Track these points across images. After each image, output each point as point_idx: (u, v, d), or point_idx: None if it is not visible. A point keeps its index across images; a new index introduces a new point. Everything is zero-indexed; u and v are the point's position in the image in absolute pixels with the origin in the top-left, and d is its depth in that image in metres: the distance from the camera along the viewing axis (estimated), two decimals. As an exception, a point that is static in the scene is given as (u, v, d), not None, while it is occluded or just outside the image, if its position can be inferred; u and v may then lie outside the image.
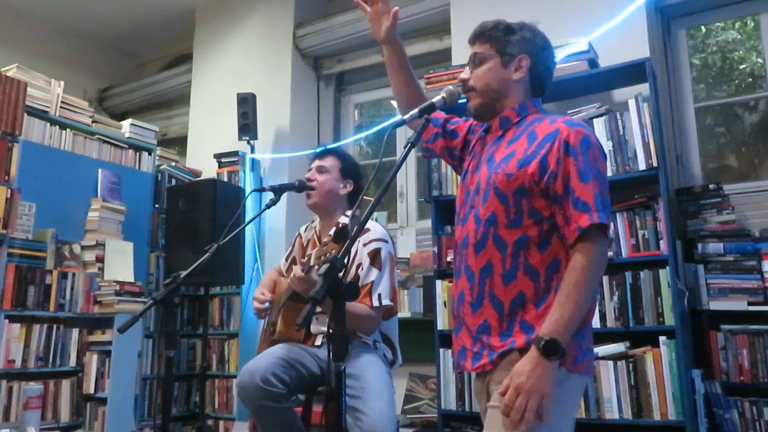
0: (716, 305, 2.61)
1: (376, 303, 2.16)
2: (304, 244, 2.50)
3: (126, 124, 3.91)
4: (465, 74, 1.59)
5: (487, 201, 1.46)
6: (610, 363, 2.49)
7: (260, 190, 2.48)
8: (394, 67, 1.76)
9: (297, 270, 2.00)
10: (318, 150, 2.57)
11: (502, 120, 1.56)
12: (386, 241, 2.28)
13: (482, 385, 1.48)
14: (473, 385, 1.56)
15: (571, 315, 1.32)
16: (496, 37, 1.55)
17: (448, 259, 2.94)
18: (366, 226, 2.23)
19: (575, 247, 1.36)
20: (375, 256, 2.22)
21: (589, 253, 1.35)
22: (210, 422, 3.76)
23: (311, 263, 1.95)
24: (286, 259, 2.57)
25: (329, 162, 2.42)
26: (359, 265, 2.22)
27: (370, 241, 2.24)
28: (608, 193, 1.42)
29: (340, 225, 2.30)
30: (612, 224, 2.44)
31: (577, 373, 1.40)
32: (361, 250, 2.23)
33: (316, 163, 2.43)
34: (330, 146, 2.87)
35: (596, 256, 1.35)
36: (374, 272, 2.20)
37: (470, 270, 1.47)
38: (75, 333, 3.29)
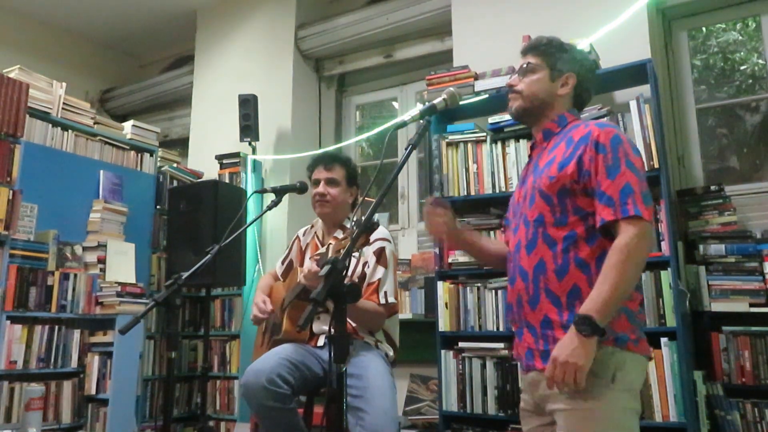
0: (718, 307, 2.61)
1: (383, 300, 2.18)
2: (303, 248, 2.49)
3: (127, 126, 3.92)
4: (513, 80, 1.68)
5: (534, 204, 1.56)
6: (612, 364, 2.49)
7: (262, 191, 2.48)
8: (476, 251, 1.86)
9: (312, 265, 2.00)
10: (320, 155, 2.54)
11: (545, 133, 1.67)
12: (389, 241, 2.31)
13: (537, 377, 1.52)
14: (527, 378, 1.58)
15: (608, 294, 1.38)
16: (549, 53, 1.66)
17: (450, 260, 2.94)
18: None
19: (616, 232, 1.44)
20: (380, 255, 2.25)
21: (626, 237, 1.42)
22: (211, 423, 3.76)
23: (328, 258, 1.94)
24: (282, 263, 2.57)
25: (337, 173, 2.39)
26: (365, 263, 2.24)
27: (375, 240, 2.25)
28: (643, 183, 1.48)
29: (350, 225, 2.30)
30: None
31: (636, 353, 1.47)
32: (366, 249, 2.24)
33: (325, 174, 2.39)
34: (331, 151, 2.85)
35: (633, 240, 1.42)
36: (380, 270, 2.22)
37: (524, 270, 1.56)
38: (76, 334, 3.29)
